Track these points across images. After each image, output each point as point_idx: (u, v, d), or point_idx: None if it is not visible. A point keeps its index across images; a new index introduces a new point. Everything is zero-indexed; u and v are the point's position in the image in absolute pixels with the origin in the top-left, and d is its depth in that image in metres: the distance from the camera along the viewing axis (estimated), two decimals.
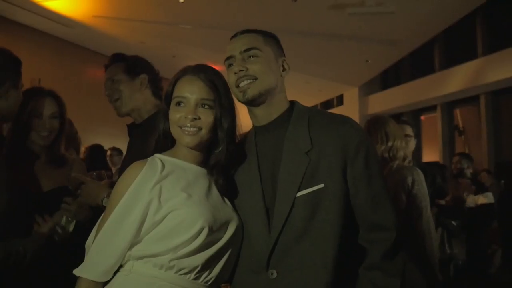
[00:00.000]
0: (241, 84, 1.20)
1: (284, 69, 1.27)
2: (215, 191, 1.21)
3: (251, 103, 1.23)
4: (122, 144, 2.80)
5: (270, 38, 1.27)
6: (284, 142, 1.20)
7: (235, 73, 1.21)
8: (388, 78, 11.94)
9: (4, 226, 1.36)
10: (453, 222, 3.57)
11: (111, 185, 1.41)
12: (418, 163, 3.70)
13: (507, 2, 7.66)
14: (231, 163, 1.24)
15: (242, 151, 1.27)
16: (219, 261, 1.15)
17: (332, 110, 10.82)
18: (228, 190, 1.23)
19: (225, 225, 1.17)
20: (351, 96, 12.82)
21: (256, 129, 1.28)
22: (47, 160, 1.70)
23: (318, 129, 1.20)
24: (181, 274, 1.10)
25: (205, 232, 1.10)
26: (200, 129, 1.18)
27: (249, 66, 1.20)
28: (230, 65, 1.24)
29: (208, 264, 1.13)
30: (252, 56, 1.22)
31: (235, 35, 1.27)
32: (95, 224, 1.21)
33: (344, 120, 1.21)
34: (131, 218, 1.10)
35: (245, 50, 1.21)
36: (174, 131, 1.21)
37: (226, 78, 1.25)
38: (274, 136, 1.23)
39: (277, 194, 1.16)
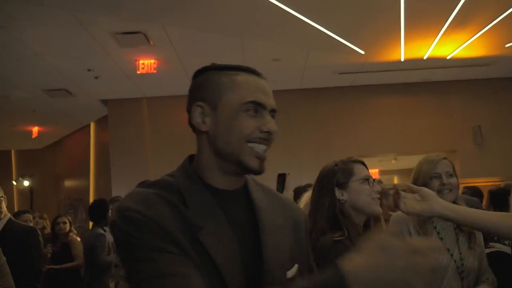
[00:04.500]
0: (263, 148, 0.95)
1: None
2: None
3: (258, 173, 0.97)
4: None
5: None
6: (255, 212, 0.97)
7: (263, 131, 0.95)
8: None
9: None
10: None
11: None
12: None
13: None
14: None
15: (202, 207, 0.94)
16: None
17: None
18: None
19: None
20: None
21: (212, 191, 0.95)
22: None
23: (275, 203, 1.04)
24: None
25: None
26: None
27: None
28: (255, 111, 0.95)
29: None
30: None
31: (257, 74, 1.01)
32: None
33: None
34: None
35: (273, 110, 1.01)
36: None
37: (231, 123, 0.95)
38: (238, 204, 0.98)
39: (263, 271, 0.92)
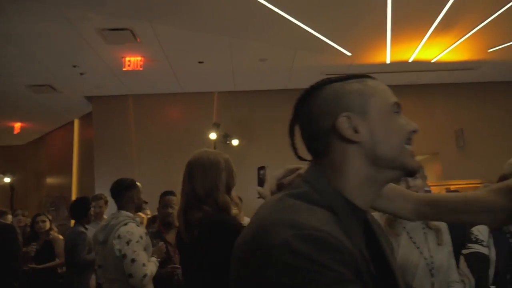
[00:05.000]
0: (411, 149, 0.91)
1: None
2: None
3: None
4: None
5: None
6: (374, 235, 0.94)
7: (411, 130, 0.90)
8: None
9: None
10: None
11: None
12: None
13: None
14: None
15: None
16: None
17: None
18: None
19: None
20: None
21: (354, 210, 0.88)
22: None
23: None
24: None
25: None
26: None
27: None
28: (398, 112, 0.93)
29: None
30: None
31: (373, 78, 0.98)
32: None
33: None
34: None
35: None
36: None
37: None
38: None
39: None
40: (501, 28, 5.99)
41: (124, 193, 2.92)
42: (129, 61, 6.57)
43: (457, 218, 1.06)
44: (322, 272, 0.68)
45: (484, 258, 1.77)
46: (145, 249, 2.78)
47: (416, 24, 5.84)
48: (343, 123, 0.87)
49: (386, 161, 0.87)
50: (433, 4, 5.34)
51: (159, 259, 2.98)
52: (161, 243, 3.13)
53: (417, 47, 6.60)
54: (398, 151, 0.87)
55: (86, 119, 9.21)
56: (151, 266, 2.77)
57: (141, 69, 6.65)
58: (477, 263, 1.77)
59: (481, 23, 5.85)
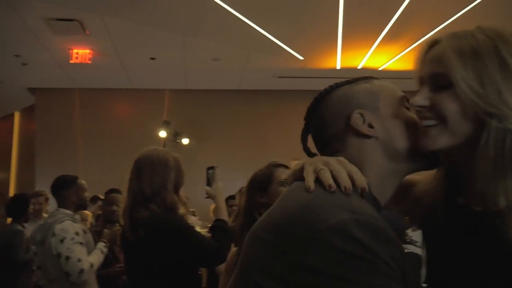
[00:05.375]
0: None
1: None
2: None
3: None
4: None
5: None
6: None
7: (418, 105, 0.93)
8: None
9: None
10: None
11: None
12: None
13: None
14: None
15: None
16: None
17: None
18: None
19: None
20: None
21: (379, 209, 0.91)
22: None
23: None
24: None
25: None
26: None
27: None
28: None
29: None
30: None
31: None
32: None
33: None
34: None
35: None
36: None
37: None
38: None
39: None
40: None
41: (64, 190, 2.82)
42: (77, 53, 6.33)
43: None
44: (375, 263, 0.62)
45: (418, 258, 1.85)
46: (83, 245, 2.69)
47: (366, 32, 6.05)
48: (358, 119, 0.86)
49: (404, 153, 0.86)
50: (382, 14, 5.55)
51: (108, 244, 2.89)
52: (118, 227, 3.02)
53: (366, 54, 6.84)
54: (415, 142, 0.86)
55: (27, 112, 8.76)
56: (92, 258, 2.68)
57: (89, 62, 6.42)
58: (412, 263, 1.85)
59: (426, 35, 6.16)
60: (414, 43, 6.43)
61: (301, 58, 6.89)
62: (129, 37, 5.97)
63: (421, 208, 0.91)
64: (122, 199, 1.96)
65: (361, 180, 0.75)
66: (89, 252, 2.75)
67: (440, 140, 0.82)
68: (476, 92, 0.77)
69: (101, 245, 2.83)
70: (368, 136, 0.85)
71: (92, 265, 2.64)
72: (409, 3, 5.22)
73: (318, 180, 0.75)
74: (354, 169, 0.77)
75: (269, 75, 7.69)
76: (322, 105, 0.92)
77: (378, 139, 0.86)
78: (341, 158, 0.80)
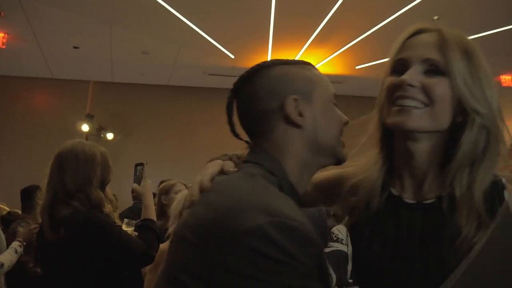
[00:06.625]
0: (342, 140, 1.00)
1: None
2: None
3: None
4: None
5: None
6: None
7: (346, 122, 0.99)
8: None
9: None
10: None
11: None
12: None
13: None
14: None
15: None
16: None
17: None
18: None
19: None
20: None
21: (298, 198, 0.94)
22: None
23: None
24: None
25: None
26: None
27: None
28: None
29: None
30: None
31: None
32: None
33: None
34: None
35: None
36: None
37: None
38: None
39: None
40: (368, 48, 6.66)
41: None
42: None
43: None
44: (292, 265, 0.65)
45: (344, 255, 1.92)
46: None
47: (296, 34, 6.20)
48: (291, 105, 0.85)
49: (323, 148, 0.88)
50: (312, 18, 5.72)
51: (24, 243, 2.68)
52: (35, 225, 2.80)
53: (296, 56, 7.01)
54: (336, 141, 0.89)
55: None
56: (4, 257, 2.51)
57: (3, 47, 5.93)
58: (337, 260, 1.91)
59: (351, 41, 6.45)
60: (340, 49, 6.71)
61: (232, 56, 6.90)
62: (49, 22, 5.59)
63: (353, 202, 0.93)
64: (41, 195, 1.81)
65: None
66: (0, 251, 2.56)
67: (421, 122, 0.82)
68: (468, 87, 0.81)
69: (15, 244, 2.63)
70: (296, 125, 0.86)
71: (2, 265, 2.44)
72: (337, 9, 5.43)
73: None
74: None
75: (200, 72, 7.62)
76: (257, 78, 0.90)
77: (304, 129, 0.87)
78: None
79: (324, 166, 0.92)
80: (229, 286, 0.66)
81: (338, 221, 2.58)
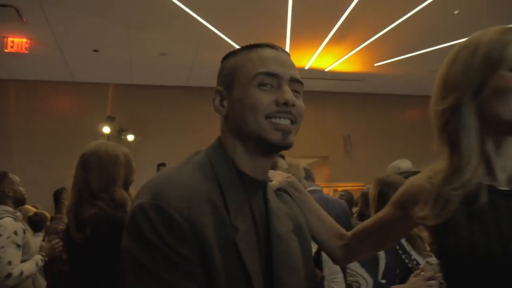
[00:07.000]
0: (284, 123, 0.87)
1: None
2: None
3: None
4: None
5: None
6: (268, 215, 0.95)
7: (279, 103, 0.87)
8: None
9: None
10: None
11: None
12: None
13: None
14: None
15: None
16: None
17: None
18: None
19: None
20: None
21: (244, 178, 0.95)
22: None
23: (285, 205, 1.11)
24: None
25: None
26: None
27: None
28: (271, 84, 0.88)
29: None
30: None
31: (276, 48, 0.96)
32: None
33: None
34: None
35: (296, 81, 0.92)
36: None
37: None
38: (259, 203, 0.95)
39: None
40: (386, 45, 6.58)
41: None
42: (12, 42, 5.93)
43: None
44: (161, 251, 0.72)
45: (375, 256, 1.88)
46: (19, 248, 2.53)
47: (313, 33, 6.16)
48: (216, 97, 0.91)
49: (245, 136, 0.87)
50: (330, 16, 5.68)
51: (46, 258, 2.73)
52: (57, 240, 2.86)
53: (313, 55, 6.97)
54: (254, 127, 0.84)
55: None
56: (25, 266, 2.52)
57: (26, 52, 6.05)
58: (369, 261, 1.87)
59: (369, 38, 6.38)
60: (358, 46, 6.64)
61: None
62: (70, 26, 5.69)
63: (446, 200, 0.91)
64: (66, 195, 1.84)
65: None
66: (25, 251, 2.60)
67: None
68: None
69: (38, 257, 2.67)
70: (221, 115, 0.91)
71: (21, 273, 2.48)
72: (355, 6, 5.38)
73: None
74: None
75: (217, 72, 7.64)
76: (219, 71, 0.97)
77: (228, 118, 0.90)
78: None
79: (256, 150, 0.88)
80: (122, 258, 0.77)
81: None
